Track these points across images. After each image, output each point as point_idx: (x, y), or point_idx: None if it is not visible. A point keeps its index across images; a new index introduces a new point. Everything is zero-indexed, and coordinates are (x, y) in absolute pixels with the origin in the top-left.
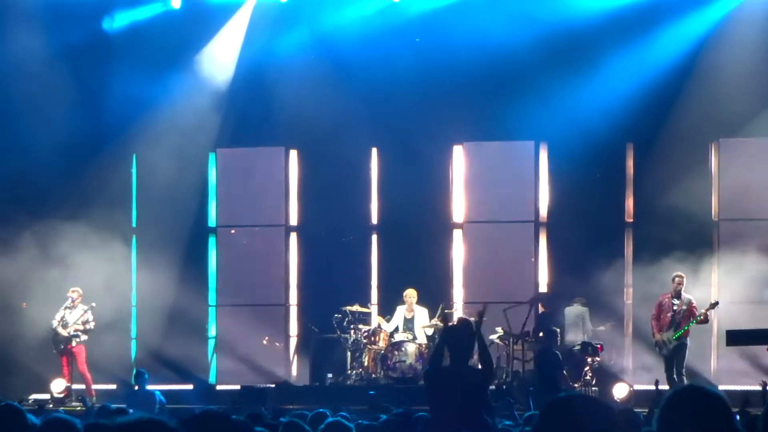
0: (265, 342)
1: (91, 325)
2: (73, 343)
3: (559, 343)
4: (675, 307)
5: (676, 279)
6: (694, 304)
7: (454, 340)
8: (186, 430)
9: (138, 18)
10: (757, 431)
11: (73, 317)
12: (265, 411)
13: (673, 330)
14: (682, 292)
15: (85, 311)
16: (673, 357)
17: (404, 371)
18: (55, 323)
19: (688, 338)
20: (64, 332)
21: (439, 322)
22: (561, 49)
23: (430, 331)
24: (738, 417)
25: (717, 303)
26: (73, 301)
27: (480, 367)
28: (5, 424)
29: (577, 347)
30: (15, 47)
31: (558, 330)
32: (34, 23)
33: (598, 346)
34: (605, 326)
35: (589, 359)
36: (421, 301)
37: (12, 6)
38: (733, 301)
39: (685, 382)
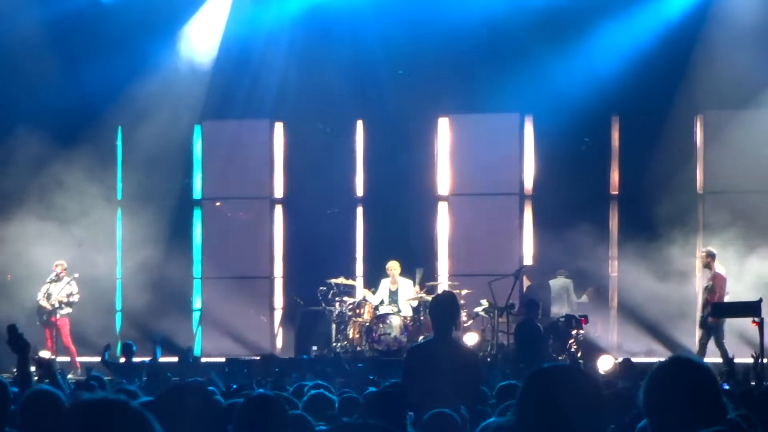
0: (250, 314)
1: (75, 298)
2: (57, 316)
3: (541, 316)
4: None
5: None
6: (716, 278)
7: (438, 311)
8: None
9: None
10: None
11: (57, 290)
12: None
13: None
14: (714, 266)
15: (69, 283)
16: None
17: (389, 344)
18: (39, 296)
19: (710, 317)
20: (47, 304)
21: (423, 294)
22: (546, 21)
23: (414, 303)
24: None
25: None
26: (57, 275)
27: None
28: None
29: (562, 320)
30: (3, 15)
31: (540, 303)
32: None
33: (582, 318)
34: (586, 293)
35: (574, 331)
36: (405, 274)
37: None
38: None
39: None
